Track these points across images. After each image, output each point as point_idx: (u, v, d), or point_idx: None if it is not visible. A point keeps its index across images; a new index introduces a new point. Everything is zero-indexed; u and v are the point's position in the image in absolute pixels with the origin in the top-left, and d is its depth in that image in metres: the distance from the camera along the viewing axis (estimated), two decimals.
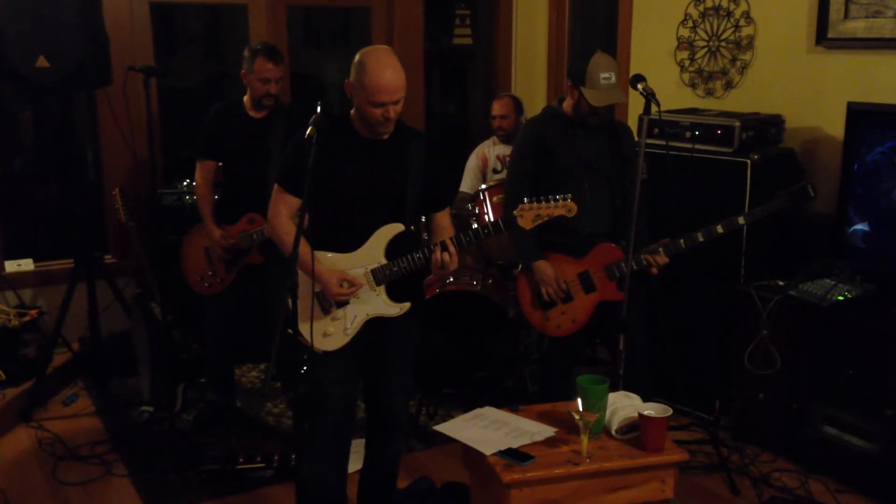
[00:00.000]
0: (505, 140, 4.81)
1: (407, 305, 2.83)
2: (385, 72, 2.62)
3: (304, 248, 2.63)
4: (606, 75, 3.35)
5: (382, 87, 2.61)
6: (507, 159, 4.79)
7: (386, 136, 2.76)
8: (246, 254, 3.93)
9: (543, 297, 3.53)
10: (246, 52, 3.87)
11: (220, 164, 4.01)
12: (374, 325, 2.82)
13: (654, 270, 3.41)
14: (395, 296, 2.82)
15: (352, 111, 2.78)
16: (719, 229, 3.36)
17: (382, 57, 2.66)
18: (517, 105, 4.82)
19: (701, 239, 3.37)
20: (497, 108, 4.81)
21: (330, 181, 2.72)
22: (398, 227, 2.79)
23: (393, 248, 2.78)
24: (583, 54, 3.44)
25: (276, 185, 2.85)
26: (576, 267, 3.53)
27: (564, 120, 3.55)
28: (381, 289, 2.80)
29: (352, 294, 2.74)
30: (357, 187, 2.76)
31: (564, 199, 2.76)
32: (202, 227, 3.98)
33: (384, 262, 2.78)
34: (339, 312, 2.79)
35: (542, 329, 3.64)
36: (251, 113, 3.94)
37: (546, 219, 2.77)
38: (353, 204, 2.76)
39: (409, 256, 2.76)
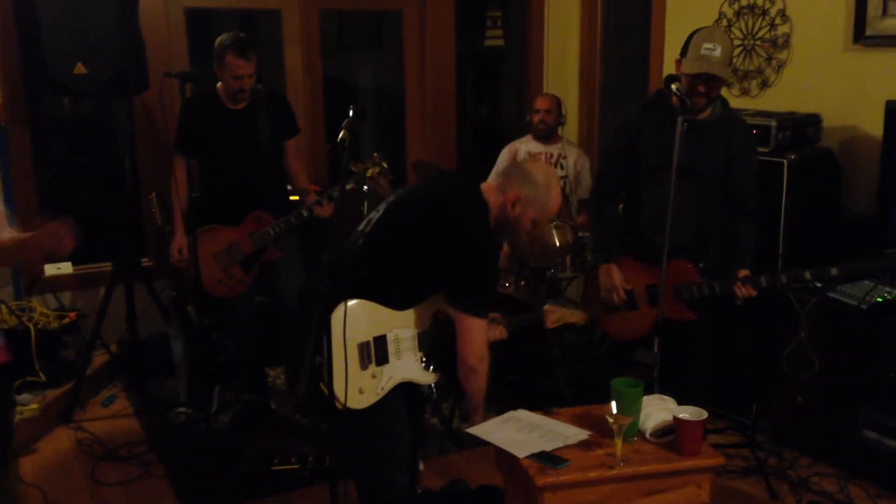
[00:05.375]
0: (541, 137, 4.79)
1: (436, 377, 2.78)
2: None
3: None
4: (710, 45, 3.06)
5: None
6: (537, 156, 4.79)
7: None
8: (263, 252, 3.88)
9: (604, 299, 3.47)
10: (216, 46, 3.68)
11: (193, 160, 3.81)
12: (400, 389, 2.72)
13: (739, 302, 3.22)
14: (428, 364, 2.76)
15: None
16: (807, 276, 3.13)
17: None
18: (559, 104, 4.80)
19: (784, 281, 3.18)
20: (541, 102, 4.80)
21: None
22: None
23: (437, 316, 2.74)
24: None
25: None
26: (646, 278, 3.37)
27: (669, 110, 3.19)
28: (421, 354, 2.74)
29: None
30: None
31: None
32: (205, 232, 3.84)
33: (429, 328, 2.73)
34: (378, 370, 2.65)
35: (604, 329, 3.58)
36: (229, 105, 3.78)
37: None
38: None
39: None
